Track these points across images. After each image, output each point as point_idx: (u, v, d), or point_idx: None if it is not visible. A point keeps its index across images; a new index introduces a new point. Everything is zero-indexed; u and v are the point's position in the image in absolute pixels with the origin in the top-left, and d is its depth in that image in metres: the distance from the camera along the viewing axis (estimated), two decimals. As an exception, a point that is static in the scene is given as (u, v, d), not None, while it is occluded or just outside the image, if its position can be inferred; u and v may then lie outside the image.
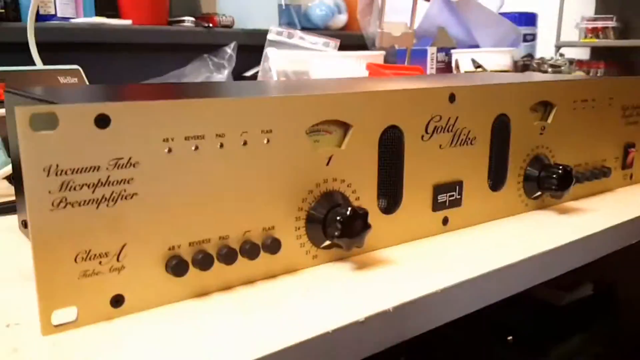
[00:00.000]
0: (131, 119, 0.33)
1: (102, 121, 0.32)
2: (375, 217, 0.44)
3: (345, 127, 0.43)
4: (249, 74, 1.68)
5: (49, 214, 0.32)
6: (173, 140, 0.35)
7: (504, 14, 1.70)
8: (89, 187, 0.32)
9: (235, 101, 0.37)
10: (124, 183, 0.34)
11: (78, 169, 0.32)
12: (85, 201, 0.32)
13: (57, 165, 0.31)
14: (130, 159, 0.33)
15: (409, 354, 0.63)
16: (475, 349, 0.63)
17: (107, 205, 0.33)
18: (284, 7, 2.08)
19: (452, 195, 0.51)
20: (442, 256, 0.46)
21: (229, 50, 1.73)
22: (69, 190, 0.32)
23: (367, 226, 0.41)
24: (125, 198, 0.34)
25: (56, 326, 0.33)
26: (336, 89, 0.46)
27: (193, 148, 0.36)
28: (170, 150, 0.35)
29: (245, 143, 0.38)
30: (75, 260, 0.33)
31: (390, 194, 0.47)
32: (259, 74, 1.34)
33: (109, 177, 0.33)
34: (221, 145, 0.37)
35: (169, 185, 0.35)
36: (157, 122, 0.34)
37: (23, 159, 0.30)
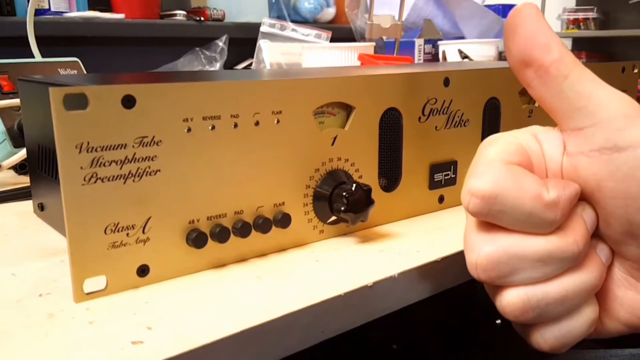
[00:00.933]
0: (155, 100, 0.36)
1: (129, 101, 0.35)
2: (376, 194, 0.46)
3: (348, 109, 0.46)
4: (240, 66, 1.70)
5: (80, 189, 0.34)
6: (192, 120, 0.37)
7: (488, 6, 1.73)
8: (116, 163, 0.35)
9: (248, 83, 0.40)
10: (149, 160, 0.36)
11: (107, 146, 0.34)
12: (113, 176, 0.35)
13: (88, 143, 0.34)
14: (154, 137, 0.36)
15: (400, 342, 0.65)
16: (465, 330, 0.66)
17: (134, 180, 0.36)
18: (273, 1, 2.11)
19: (447, 175, 0.54)
20: (439, 231, 0.49)
21: (221, 43, 1.75)
22: (99, 166, 0.34)
23: (371, 201, 0.44)
24: (150, 174, 0.36)
25: (87, 294, 0.36)
26: (338, 73, 0.48)
27: (210, 128, 0.38)
28: (189, 130, 0.37)
29: (257, 123, 0.40)
30: (105, 232, 0.35)
31: (390, 172, 0.50)
32: (253, 65, 1.36)
33: (134, 154, 0.35)
34: (235, 125, 0.39)
35: (188, 162, 0.38)
36: (178, 102, 0.37)
37: (57, 136, 0.33)
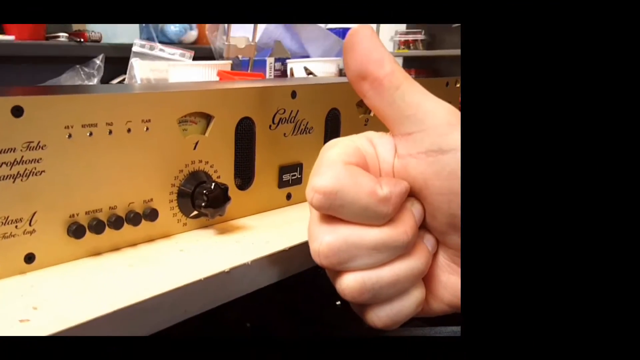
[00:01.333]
0: (40, 110, 0.39)
1: (17, 111, 0.38)
2: (232, 192, 0.50)
3: (208, 118, 0.50)
4: (115, 81, 1.76)
5: (-25, 187, 0.37)
6: (72, 127, 0.41)
7: (330, 29, 1.84)
8: (6, 165, 0.38)
9: (121, 96, 0.44)
10: (35, 162, 0.40)
11: (-2, 150, 0.38)
12: (3, 176, 0.39)
13: (-18, 147, 0.37)
14: (39, 142, 0.40)
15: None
16: (310, 311, 0.70)
17: (22, 180, 0.39)
18: (144, 25, 2.30)
19: (294, 175, 0.59)
20: (286, 224, 0.54)
21: (98, 61, 1.92)
22: (-9, 167, 0.38)
23: (227, 198, 0.48)
24: (36, 174, 0.40)
25: (-20, 279, 0.39)
26: (200, 87, 0.52)
27: (88, 134, 0.42)
28: (70, 136, 0.41)
29: (129, 130, 0.44)
30: (-4, 224, 0.39)
31: (244, 173, 0.54)
32: (126, 80, 1.40)
33: (22, 157, 0.39)
34: (110, 132, 0.43)
35: (69, 164, 0.41)
36: (60, 112, 0.40)
37: (-44, 142, 0.36)
